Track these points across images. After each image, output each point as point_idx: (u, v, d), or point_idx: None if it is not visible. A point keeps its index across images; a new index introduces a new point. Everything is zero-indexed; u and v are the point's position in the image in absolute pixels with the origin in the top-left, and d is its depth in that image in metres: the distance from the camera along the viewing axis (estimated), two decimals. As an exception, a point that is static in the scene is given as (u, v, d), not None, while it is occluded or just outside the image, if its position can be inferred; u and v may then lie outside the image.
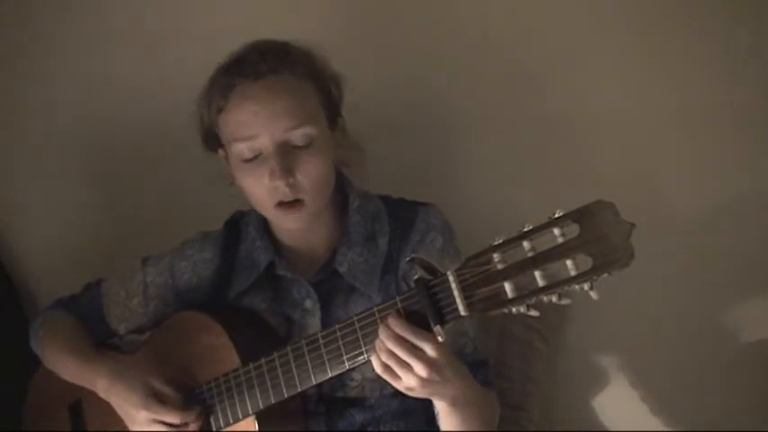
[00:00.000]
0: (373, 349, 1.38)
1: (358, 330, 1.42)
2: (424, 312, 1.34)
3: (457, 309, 1.31)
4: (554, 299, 1.23)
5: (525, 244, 1.24)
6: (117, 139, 2.13)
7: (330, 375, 1.47)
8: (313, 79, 1.60)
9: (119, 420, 1.62)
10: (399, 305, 1.38)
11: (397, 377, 1.37)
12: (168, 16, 2.08)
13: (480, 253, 1.29)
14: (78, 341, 1.73)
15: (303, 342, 1.49)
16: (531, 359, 1.98)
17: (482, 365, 1.61)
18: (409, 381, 1.36)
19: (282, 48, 1.61)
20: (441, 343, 1.34)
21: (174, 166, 2.08)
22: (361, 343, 1.42)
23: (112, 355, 1.72)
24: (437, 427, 1.53)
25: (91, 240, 2.16)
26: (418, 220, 1.65)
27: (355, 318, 1.43)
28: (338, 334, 1.45)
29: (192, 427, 1.59)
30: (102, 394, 1.63)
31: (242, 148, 1.57)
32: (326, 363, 1.46)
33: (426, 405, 1.51)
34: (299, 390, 1.51)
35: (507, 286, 1.26)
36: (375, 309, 1.41)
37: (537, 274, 1.23)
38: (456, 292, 1.31)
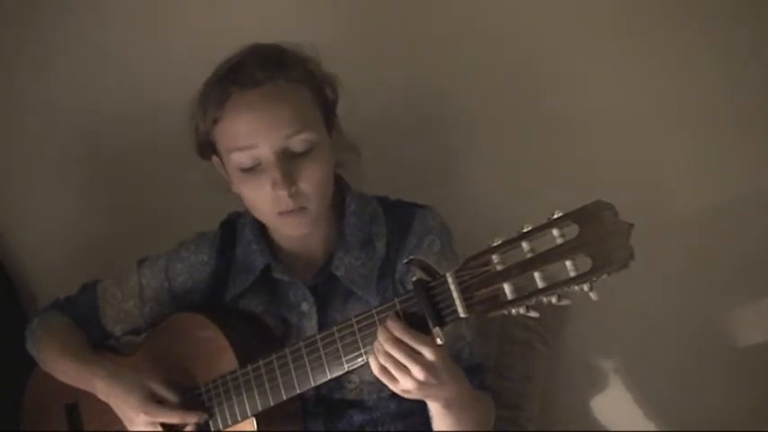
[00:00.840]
0: (371, 351, 1.38)
1: (357, 332, 1.42)
2: (422, 314, 1.33)
3: (456, 310, 1.30)
4: (554, 300, 1.23)
5: (524, 245, 1.24)
6: (116, 140, 2.13)
7: (329, 377, 1.46)
8: (309, 83, 1.58)
9: (116, 421, 1.62)
10: (398, 307, 1.38)
11: (393, 379, 1.36)
12: (168, 16, 2.08)
13: (479, 254, 1.29)
14: (75, 343, 1.72)
15: (302, 344, 1.49)
16: (531, 360, 1.98)
17: (478, 369, 1.61)
18: (406, 383, 1.35)
19: (277, 53, 1.59)
20: (439, 346, 1.34)
21: (173, 166, 2.08)
22: (360, 345, 1.42)
23: (110, 357, 1.72)
24: (435, 428, 1.53)
25: (90, 240, 2.16)
26: (416, 222, 1.64)
27: (354, 320, 1.42)
28: (337, 336, 1.44)
29: (190, 428, 1.59)
30: (101, 396, 1.62)
31: (241, 158, 1.55)
32: (325, 365, 1.46)
33: (424, 407, 1.51)
34: (298, 392, 1.50)
35: (507, 287, 1.26)
36: (374, 311, 1.40)
37: (536, 275, 1.23)
38: (455, 294, 1.30)
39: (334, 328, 1.45)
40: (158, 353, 1.68)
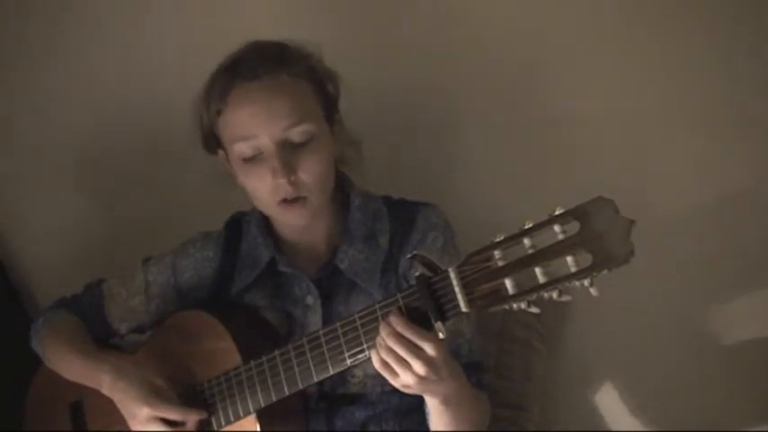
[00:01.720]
0: (374, 346, 1.39)
1: (359, 327, 1.42)
2: (425, 309, 1.34)
3: (458, 305, 1.31)
4: (554, 295, 1.24)
5: (526, 241, 1.25)
6: (117, 140, 2.13)
7: (332, 372, 1.47)
8: (310, 78, 1.62)
9: (120, 419, 1.62)
10: (401, 302, 1.38)
11: (394, 374, 1.37)
12: (168, 16, 2.08)
13: (481, 250, 1.29)
14: (81, 340, 1.73)
15: (305, 340, 1.49)
16: (531, 359, 1.98)
17: (476, 367, 1.61)
18: (407, 378, 1.36)
19: (279, 48, 1.63)
20: (440, 342, 1.35)
21: (173, 166, 2.08)
22: (363, 340, 1.42)
23: (115, 354, 1.73)
24: (436, 424, 1.53)
25: (91, 240, 2.16)
26: (419, 219, 1.66)
27: (357, 315, 1.43)
28: (340, 331, 1.45)
29: (192, 425, 1.59)
30: (105, 391, 1.63)
31: (242, 148, 1.59)
32: (328, 360, 1.46)
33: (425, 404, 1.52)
34: (301, 387, 1.51)
35: (508, 283, 1.26)
36: (377, 306, 1.41)
37: (537, 270, 1.24)
38: (457, 289, 1.31)
39: (337, 324, 1.45)
40: (162, 350, 1.69)
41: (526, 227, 1.25)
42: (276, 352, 1.53)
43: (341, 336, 1.45)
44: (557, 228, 1.22)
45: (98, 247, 2.15)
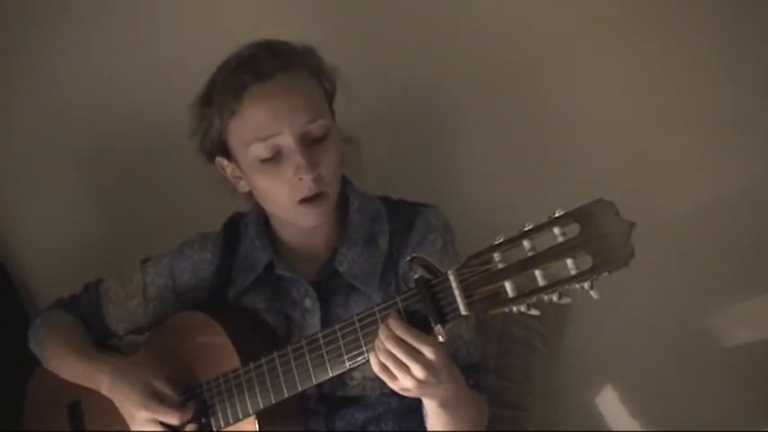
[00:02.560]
0: (373, 348, 1.38)
1: (359, 330, 1.42)
2: (424, 312, 1.34)
3: (457, 308, 1.31)
4: (554, 298, 1.23)
5: (526, 243, 1.24)
6: (117, 140, 2.13)
7: (330, 375, 1.46)
8: (317, 75, 1.63)
9: (118, 420, 1.62)
10: (400, 305, 1.38)
11: (393, 377, 1.36)
12: (167, 16, 2.08)
13: (481, 252, 1.29)
14: (79, 341, 1.73)
15: (304, 342, 1.49)
16: (531, 360, 1.98)
17: (474, 369, 1.61)
18: (406, 382, 1.36)
19: (289, 47, 1.63)
20: (439, 346, 1.34)
21: (173, 167, 2.08)
22: (362, 343, 1.42)
23: (114, 355, 1.73)
24: (436, 426, 1.53)
25: (91, 240, 2.16)
26: (419, 220, 1.66)
27: (356, 317, 1.43)
28: (339, 334, 1.44)
29: (191, 426, 1.59)
30: (104, 392, 1.63)
31: (260, 148, 1.57)
32: (327, 362, 1.46)
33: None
34: (300, 389, 1.50)
35: (508, 285, 1.26)
36: (376, 308, 1.41)
37: (537, 273, 1.23)
38: (456, 292, 1.30)
39: (336, 327, 1.45)
40: (160, 351, 1.69)
41: (526, 229, 1.24)
42: (275, 354, 1.52)
43: (340, 338, 1.44)
44: (557, 230, 1.22)
45: (98, 247, 2.15)
